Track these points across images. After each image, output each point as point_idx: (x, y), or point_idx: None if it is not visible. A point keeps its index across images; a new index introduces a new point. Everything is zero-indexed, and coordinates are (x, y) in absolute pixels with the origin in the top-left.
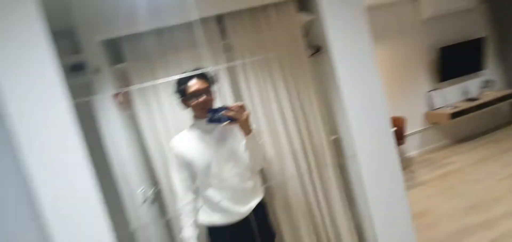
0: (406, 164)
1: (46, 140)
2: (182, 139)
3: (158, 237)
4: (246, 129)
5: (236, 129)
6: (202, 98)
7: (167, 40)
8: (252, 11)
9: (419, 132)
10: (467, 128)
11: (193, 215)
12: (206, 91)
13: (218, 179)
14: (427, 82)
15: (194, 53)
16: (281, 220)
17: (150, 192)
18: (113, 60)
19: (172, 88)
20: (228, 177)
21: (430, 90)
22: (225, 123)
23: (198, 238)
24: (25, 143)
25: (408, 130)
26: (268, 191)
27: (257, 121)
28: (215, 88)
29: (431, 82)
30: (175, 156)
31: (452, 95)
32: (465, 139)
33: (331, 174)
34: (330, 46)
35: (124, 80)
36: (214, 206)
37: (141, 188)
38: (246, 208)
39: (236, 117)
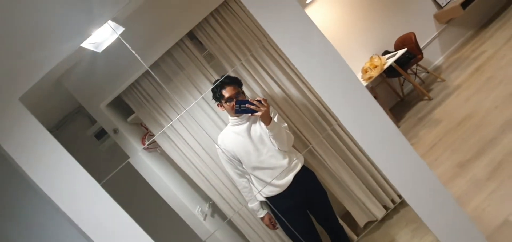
0: (435, 75)
1: (98, 219)
2: (224, 136)
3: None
4: (266, 120)
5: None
6: (235, 101)
7: (158, 75)
8: (216, 13)
9: (436, 37)
10: (486, 8)
11: (251, 191)
12: (237, 95)
13: (258, 162)
14: None
15: (184, 75)
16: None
17: (206, 207)
18: (125, 115)
19: (211, 94)
20: (265, 159)
21: None
22: (248, 114)
23: (262, 204)
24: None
25: (424, 41)
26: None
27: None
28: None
29: None
30: (222, 151)
31: None
32: (489, 21)
33: None
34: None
35: (142, 127)
36: (261, 183)
37: (197, 207)
38: (286, 179)
39: (257, 110)
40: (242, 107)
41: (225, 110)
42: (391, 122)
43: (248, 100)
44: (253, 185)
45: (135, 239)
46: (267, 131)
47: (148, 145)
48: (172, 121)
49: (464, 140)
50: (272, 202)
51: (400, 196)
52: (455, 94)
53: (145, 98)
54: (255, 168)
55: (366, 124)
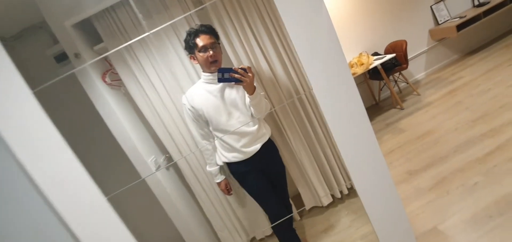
0: (413, 88)
1: (27, 136)
2: (192, 93)
3: (181, 198)
4: (250, 90)
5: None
6: (210, 53)
7: (137, 8)
8: None
9: (425, 52)
10: (477, 37)
11: (213, 155)
12: (213, 46)
13: (227, 125)
14: None
15: (167, 15)
16: (285, 157)
17: (161, 160)
18: (93, 43)
19: (183, 44)
20: (235, 123)
21: (433, 4)
22: (232, 83)
23: (221, 170)
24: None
25: (413, 53)
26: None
27: (239, 58)
28: (220, 42)
29: None
30: (188, 109)
31: (457, 5)
32: (476, 50)
33: None
34: None
35: (106, 61)
36: (227, 148)
37: (152, 157)
38: (253, 147)
39: (242, 79)
40: (225, 76)
41: (198, 63)
42: (364, 109)
43: (231, 68)
44: (217, 148)
45: (60, 153)
46: (248, 99)
47: (110, 80)
48: (142, 66)
49: (419, 152)
50: (232, 167)
51: (349, 188)
52: (424, 110)
53: (119, 30)
54: (222, 131)
55: (339, 102)
